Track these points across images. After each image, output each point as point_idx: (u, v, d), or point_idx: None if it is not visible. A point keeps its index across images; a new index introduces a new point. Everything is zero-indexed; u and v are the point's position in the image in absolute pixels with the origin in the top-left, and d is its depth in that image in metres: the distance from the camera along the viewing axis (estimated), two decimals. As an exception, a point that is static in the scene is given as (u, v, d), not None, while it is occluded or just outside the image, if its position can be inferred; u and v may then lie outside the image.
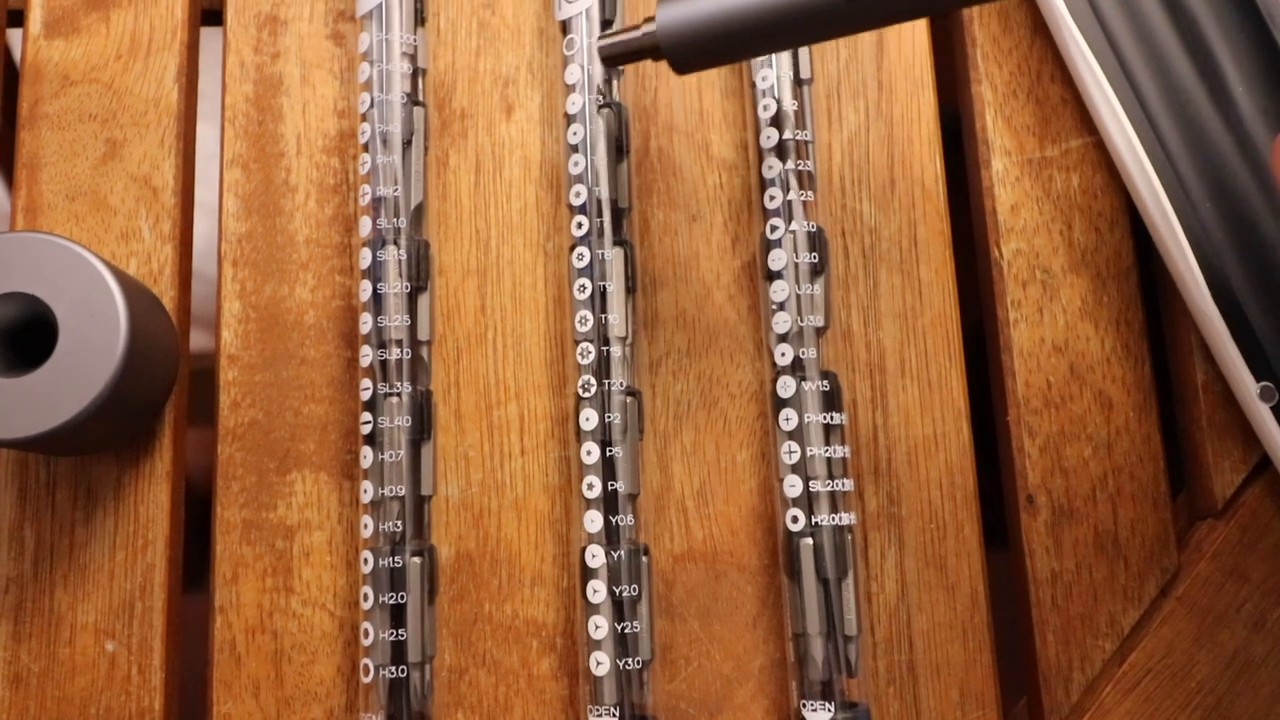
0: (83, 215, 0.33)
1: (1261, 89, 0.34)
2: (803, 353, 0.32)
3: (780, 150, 0.33)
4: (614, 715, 0.30)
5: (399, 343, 0.31)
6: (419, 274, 0.32)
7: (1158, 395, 0.35)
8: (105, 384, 0.28)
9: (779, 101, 0.33)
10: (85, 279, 0.28)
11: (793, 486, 0.31)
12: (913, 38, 0.36)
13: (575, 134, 0.33)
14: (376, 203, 0.32)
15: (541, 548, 0.33)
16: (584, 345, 0.32)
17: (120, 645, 0.31)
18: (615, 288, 0.32)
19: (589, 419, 0.31)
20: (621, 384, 0.32)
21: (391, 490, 0.31)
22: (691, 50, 0.27)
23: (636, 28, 0.28)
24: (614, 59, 0.29)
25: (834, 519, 0.31)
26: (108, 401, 0.28)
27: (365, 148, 0.32)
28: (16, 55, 0.36)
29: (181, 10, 0.35)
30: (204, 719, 0.31)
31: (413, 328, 0.32)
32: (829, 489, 0.31)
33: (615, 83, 0.33)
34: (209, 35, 0.36)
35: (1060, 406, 0.34)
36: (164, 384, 0.32)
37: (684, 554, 0.33)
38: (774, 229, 0.33)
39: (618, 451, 0.31)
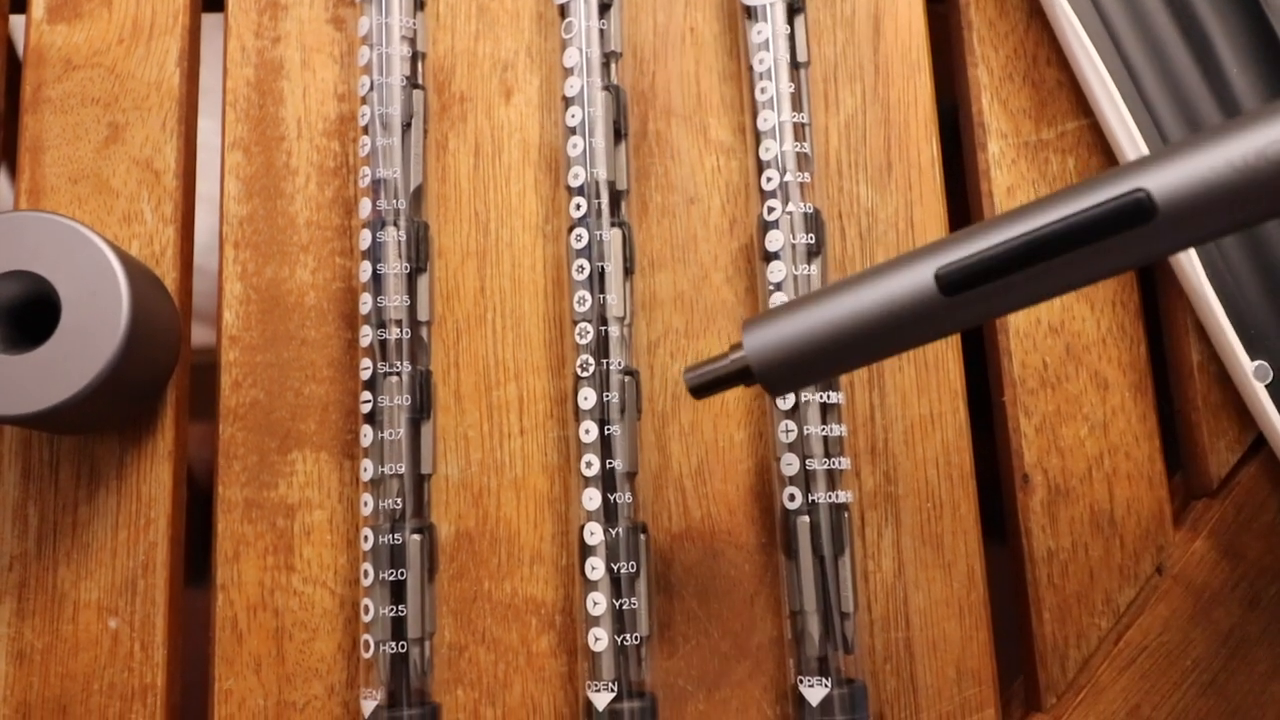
0: (85, 198, 0.34)
1: (1255, 71, 0.34)
2: (799, 332, 0.32)
3: (777, 133, 0.33)
4: (612, 691, 0.30)
5: (398, 323, 0.32)
6: (418, 255, 0.32)
7: (1153, 375, 0.35)
8: (107, 362, 0.28)
9: (776, 84, 0.33)
10: (88, 258, 0.28)
11: (790, 465, 0.32)
12: (909, 21, 0.36)
13: (574, 116, 0.33)
14: (376, 184, 0.32)
15: (540, 526, 0.33)
16: (582, 325, 0.32)
17: (123, 622, 0.32)
18: (613, 268, 0.32)
19: (587, 398, 0.31)
20: (619, 364, 0.32)
21: (391, 468, 0.31)
22: (786, 373, 0.26)
23: (725, 356, 0.27)
24: (703, 389, 0.27)
25: (831, 497, 0.31)
26: (110, 379, 0.28)
27: (365, 130, 0.33)
28: (18, 42, 0.36)
29: (183, -5, 0.35)
30: (206, 695, 0.32)
31: (412, 308, 0.32)
32: (825, 467, 0.31)
33: (613, 66, 0.34)
34: (209, 32, 0.36)
35: (1056, 386, 0.34)
36: (166, 364, 0.32)
37: (682, 533, 0.33)
38: (771, 210, 0.33)
39: (616, 430, 0.31)
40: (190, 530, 0.34)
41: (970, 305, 0.23)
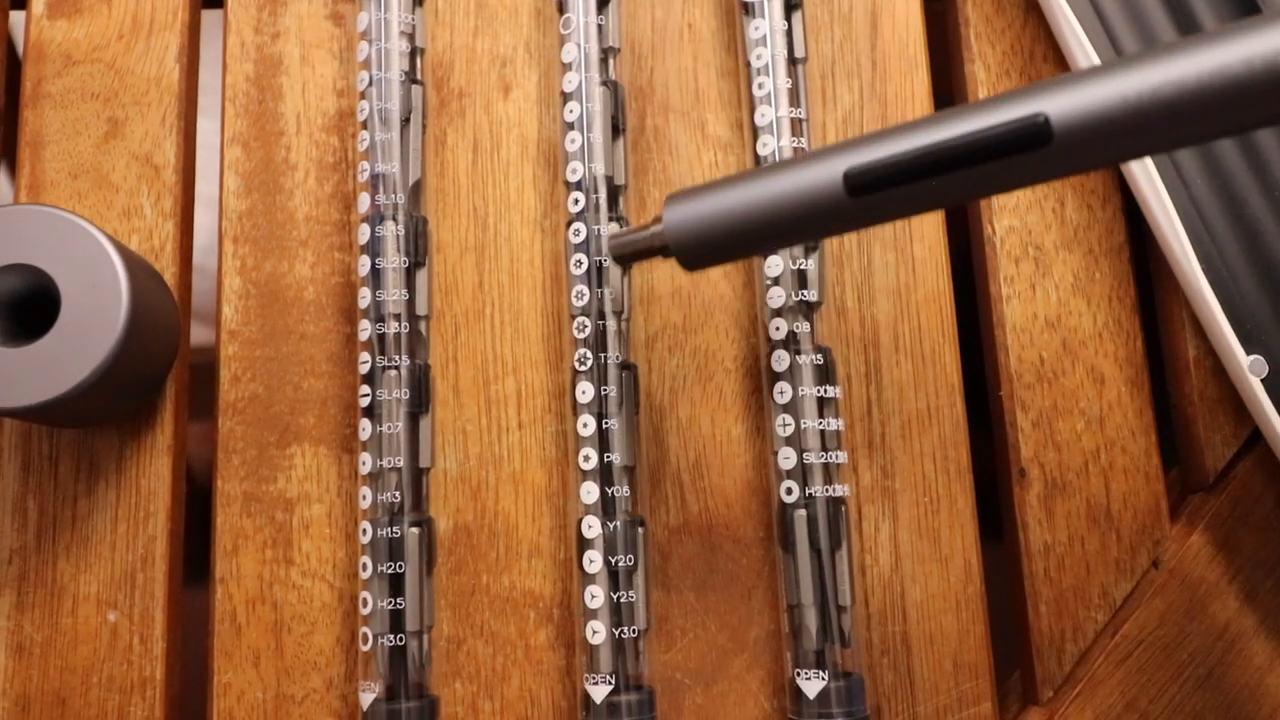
0: (85, 192, 0.34)
1: (1251, 66, 0.34)
2: (797, 327, 0.32)
3: (774, 128, 0.33)
4: (610, 683, 0.30)
5: (397, 317, 0.32)
6: (417, 249, 0.32)
7: (1150, 370, 0.35)
8: (107, 354, 0.28)
9: (773, 80, 0.33)
10: (87, 251, 0.28)
11: (787, 459, 0.32)
12: (906, 18, 0.36)
13: (572, 111, 0.33)
14: (375, 179, 0.32)
15: (539, 520, 0.33)
16: (580, 319, 0.32)
17: (122, 615, 0.32)
18: (611, 262, 0.32)
19: (585, 392, 0.32)
20: (617, 357, 0.32)
21: (390, 462, 0.31)
22: (699, 250, 0.27)
23: (646, 227, 0.29)
24: (624, 258, 0.29)
25: (828, 490, 0.31)
26: (109, 372, 0.28)
27: (364, 125, 0.33)
28: (18, 39, 0.36)
29: (183, -9, 0.35)
30: (205, 688, 0.32)
31: (411, 302, 0.32)
32: (823, 461, 0.32)
33: (611, 62, 0.34)
34: (208, 29, 0.36)
35: (1053, 381, 0.34)
36: (165, 357, 0.32)
37: (680, 527, 0.33)
38: (768, 205, 0.33)
39: (613, 424, 0.31)
40: (189, 528, 0.34)
41: (873, 207, 0.25)
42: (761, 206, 0.26)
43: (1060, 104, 0.22)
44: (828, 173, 0.25)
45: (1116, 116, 0.22)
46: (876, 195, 0.24)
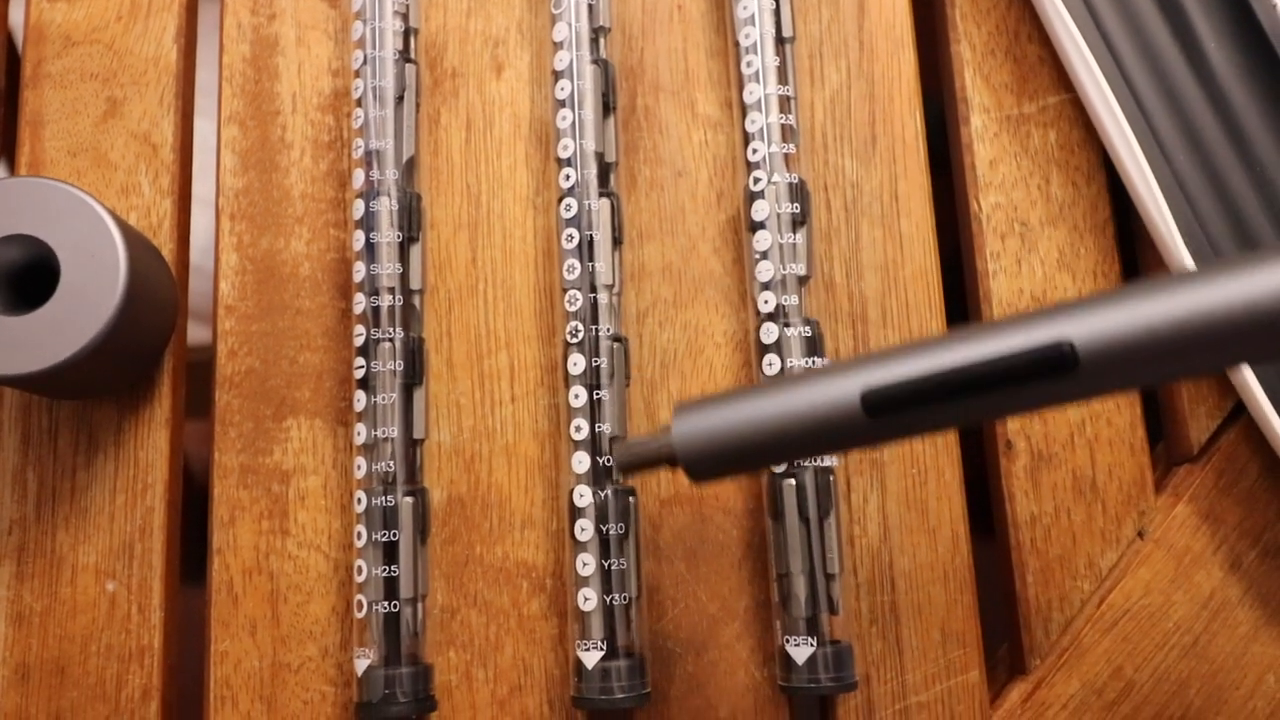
0: (84, 170, 0.34)
1: (1233, 44, 0.35)
2: (785, 300, 0.33)
3: (762, 105, 0.34)
4: (601, 649, 0.31)
5: (391, 290, 0.32)
6: (411, 224, 0.33)
7: (1134, 344, 0.35)
8: (105, 323, 0.29)
9: (761, 58, 0.34)
10: (86, 222, 0.29)
11: (776, 429, 0.32)
12: (893, -1, 0.37)
13: (563, 89, 0.34)
14: (369, 155, 0.33)
15: (531, 492, 0.33)
16: (572, 293, 0.33)
17: (120, 585, 0.32)
18: (602, 237, 0.33)
19: (576, 364, 0.32)
20: (608, 330, 0.32)
21: (384, 432, 0.31)
22: (709, 463, 0.26)
23: (654, 438, 0.27)
24: (629, 467, 0.28)
25: (816, 460, 0.32)
26: (107, 341, 0.29)
27: (358, 103, 0.33)
28: (18, 22, 0.36)
29: (180, -26, 0.36)
30: (202, 657, 0.32)
31: (404, 276, 0.32)
32: (811, 431, 0.32)
33: (602, 41, 0.34)
34: (206, 30, 0.37)
35: (1039, 355, 0.35)
36: (163, 330, 0.33)
37: (671, 498, 0.34)
38: (757, 181, 0.34)
39: (604, 395, 0.32)
40: (188, 530, 0.34)
41: (891, 427, 0.24)
42: (775, 423, 0.25)
43: (1085, 329, 0.22)
44: (844, 391, 0.24)
45: (1144, 344, 0.22)
46: (895, 416, 0.24)
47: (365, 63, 0.33)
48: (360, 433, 0.32)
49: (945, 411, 0.23)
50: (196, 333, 0.36)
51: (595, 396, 0.32)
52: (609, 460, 0.31)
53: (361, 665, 0.30)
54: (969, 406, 0.23)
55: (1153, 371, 0.22)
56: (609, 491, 0.31)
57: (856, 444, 0.26)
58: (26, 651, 0.32)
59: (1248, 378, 0.33)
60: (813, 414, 0.24)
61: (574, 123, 0.33)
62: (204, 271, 0.36)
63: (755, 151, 0.34)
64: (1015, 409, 0.24)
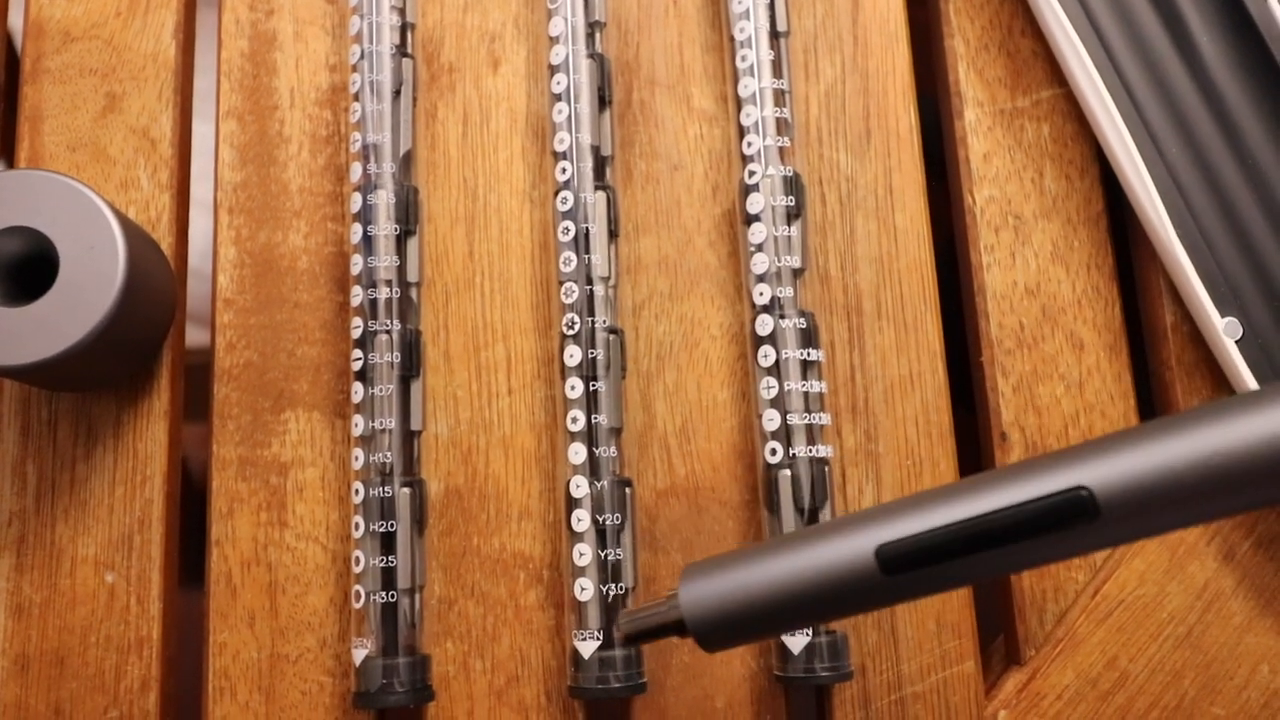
0: (83, 165, 0.35)
1: (1224, 36, 0.35)
2: (780, 292, 0.33)
3: (757, 98, 0.34)
4: (598, 639, 0.31)
5: (388, 283, 0.32)
6: (408, 217, 0.33)
7: (1128, 336, 0.36)
8: (104, 315, 0.29)
9: (756, 52, 0.34)
10: (85, 214, 0.29)
11: (771, 420, 0.32)
12: (887, -6, 0.37)
13: (559, 84, 0.34)
14: (367, 149, 0.33)
15: (528, 483, 0.33)
16: (568, 285, 0.33)
17: (119, 577, 0.32)
18: (598, 230, 0.33)
19: (573, 355, 0.32)
20: (604, 322, 0.33)
21: (381, 424, 0.32)
22: (719, 631, 0.24)
23: (660, 604, 0.25)
24: (635, 637, 0.26)
25: (811, 451, 0.32)
26: (106, 332, 0.29)
27: (355, 97, 0.34)
28: (14, 19, 0.37)
29: (179, -29, 0.36)
30: (201, 648, 0.32)
31: (401, 268, 0.33)
32: (806, 422, 0.32)
33: (598, 35, 0.35)
34: (204, 32, 0.37)
35: (1033, 347, 0.35)
36: (161, 322, 0.33)
37: (667, 489, 0.34)
38: (752, 174, 0.34)
39: (600, 386, 0.32)
40: (186, 533, 0.34)
41: (910, 584, 0.23)
42: (787, 585, 0.24)
43: (1103, 474, 0.21)
44: (858, 548, 0.23)
45: (1167, 487, 0.20)
46: (913, 573, 0.23)
47: (362, 57, 0.34)
48: (358, 425, 0.32)
49: (965, 565, 0.22)
50: (194, 335, 0.36)
51: (591, 388, 0.32)
52: (619, 621, 0.29)
53: (359, 656, 0.31)
54: (989, 558, 0.22)
55: (1178, 515, 0.21)
56: (605, 483, 0.32)
57: (874, 602, 0.24)
58: (26, 643, 0.32)
59: (1240, 369, 0.34)
60: (827, 572, 0.23)
61: (570, 117, 0.34)
62: (202, 273, 0.36)
63: (750, 145, 0.34)
64: (1035, 561, 0.23)
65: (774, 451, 0.32)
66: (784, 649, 0.31)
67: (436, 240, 0.35)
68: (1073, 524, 0.21)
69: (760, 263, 0.33)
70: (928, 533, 0.22)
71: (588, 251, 0.33)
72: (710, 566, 0.25)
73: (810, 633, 0.31)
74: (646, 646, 0.32)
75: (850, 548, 0.23)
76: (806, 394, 0.32)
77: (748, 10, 0.34)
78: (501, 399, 0.34)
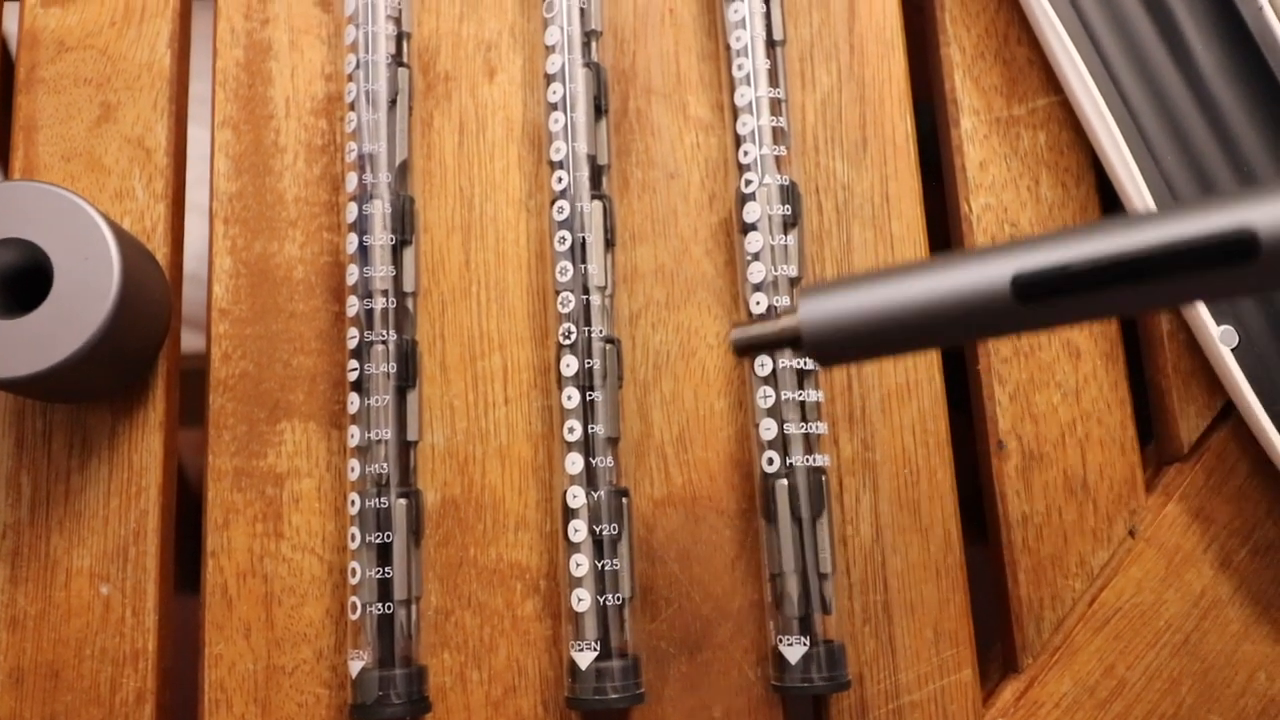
0: (78, 175, 0.34)
1: (1219, 44, 0.35)
2: (777, 301, 0.33)
3: (754, 107, 0.34)
4: (595, 650, 0.31)
5: (384, 293, 0.32)
6: (404, 227, 0.33)
7: (1124, 344, 0.36)
8: (98, 327, 0.29)
9: (753, 61, 0.34)
10: (80, 226, 0.29)
11: (768, 430, 0.32)
12: (883, 2, 0.37)
13: (555, 92, 0.34)
14: (362, 159, 0.33)
15: (525, 494, 0.33)
16: (564, 295, 0.33)
17: (115, 589, 0.32)
18: (594, 239, 0.33)
19: (569, 365, 0.32)
20: (601, 331, 0.32)
21: (378, 434, 0.31)
22: (837, 346, 0.24)
23: (775, 319, 0.26)
24: (747, 349, 0.26)
25: (808, 460, 0.32)
26: (101, 344, 0.29)
27: (351, 107, 0.33)
28: (9, 28, 0.37)
29: (174, -20, 0.36)
30: (197, 660, 0.32)
31: (398, 278, 0.33)
32: (803, 431, 0.32)
33: (594, 44, 0.34)
34: (200, 45, 0.37)
35: (1030, 355, 0.35)
36: (156, 333, 0.33)
37: (664, 499, 0.34)
38: (748, 183, 0.34)
39: (597, 396, 0.32)
40: (182, 537, 0.34)
41: (1042, 314, 0.23)
42: (912, 304, 0.23)
43: (1270, 218, 0.21)
44: (993, 275, 0.23)
45: None
46: (1049, 302, 0.22)
47: (358, 67, 0.33)
48: (354, 435, 0.32)
49: (1103, 300, 0.22)
50: (190, 340, 0.36)
51: (588, 398, 0.32)
52: (731, 335, 0.27)
53: (356, 667, 0.31)
54: (1130, 295, 0.22)
55: None
56: (602, 493, 0.31)
57: (1001, 329, 0.24)
58: (20, 655, 0.32)
59: (1236, 377, 0.34)
60: (958, 298, 0.23)
61: (566, 126, 0.33)
62: (198, 279, 0.36)
63: (747, 154, 0.34)
64: (1181, 298, 0.22)
65: (771, 461, 0.32)
66: (781, 658, 0.31)
67: (432, 249, 0.35)
68: (1230, 263, 0.21)
69: (757, 271, 0.33)
70: (1071, 264, 0.22)
71: (584, 261, 0.33)
72: (830, 284, 0.25)
73: (808, 642, 0.31)
74: (644, 657, 0.32)
75: (986, 274, 0.23)
76: (803, 403, 0.32)
77: (744, 19, 0.34)
78: (498, 409, 0.34)
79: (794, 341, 0.25)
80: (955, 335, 0.25)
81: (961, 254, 0.24)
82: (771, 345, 0.26)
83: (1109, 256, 0.22)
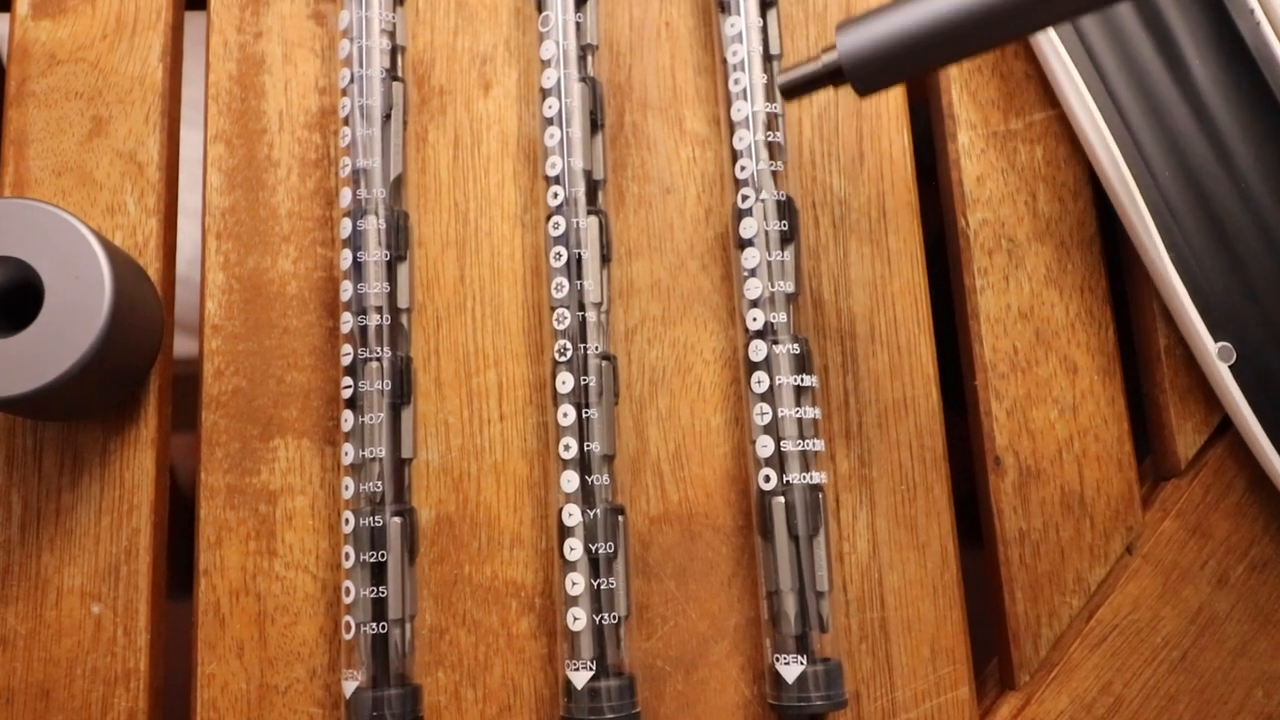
0: (69, 190, 0.34)
1: (1216, 59, 0.35)
2: (774, 317, 0.33)
3: (750, 122, 0.34)
4: (591, 669, 0.31)
5: (379, 309, 0.32)
6: (398, 243, 0.33)
7: (1121, 360, 0.36)
8: (90, 346, 0.28)
9: (749, 76, 0.34)
10: (71, 243, 0.29)
11: (765, 447, 0.32)
12: (880, 16, 0.37)
13: (550, 107, 0.34)
14: (356, 174, 0.33)
15: (520, 511, 0.33)
16: (560, 311, 0.32)
17: (106, 608, 0.32)
18: (590, 255, 0.33)
19: (565, 382, 0.32)
20: (597, 348, 0.32)
21: (372, 452, 0.31)
22: (875, 70, 0.27)
23: (815, 59, 0.28)
24: (794, 90, 0.28)
25: (805, 478, 0.32)
26: (93, 363, 0.28)
27: (345, 121, 0.33)
28: (2, 40, 0.36)
29: (166, -8, 0.36)
30: (189, 680, 0.32)
31: (392, 295, 0.32)
32: (800, 449, 0.32)
33: (590, 58, 0.34)
34: (193, 47, 0.37)
35: (1026, 371, 0.35)
36: (148, 351, 0.33)
37: (660, 516, 0.33)
38: (745, 198, 0.34)
39: (593, 413, 0.32)
40: (175, 542, 0.34)
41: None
42: (941, 15, 0.26)
43: None
44: None
45: None
46: None
47: (352, 81, 0.33)
48: (348, 452, 0.32)
49: None
50: (184, 345, 0.35)
51: (584, 415, 0.32)
52: (777, 81, 0.30)
53: (350, 687, 0.30)
54: None
55: None
56: (598, 511, 0.31)
57: (1031, 20, 0.25)
58: (10, 675, 0.31)
59: (1234, 393, 0.34)
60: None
61: (562, 140, 0.33)
62: (190, 283, 0.36)
63: (743, 169, 0.34)
64: None
65: (767, 478, 0.32)
66: (778, 677, 0.31)
67: (427, 265, 0.35)
68: None
69: (753, 287, 0.33)
70: None
71: (580, 277, 0.33)
72: (863, 17, 0.27)
73: (804, 661, 0.31)
74: (639, 676, 0.32)
75: None
76: (800, 420, 0.32)
77: (740, 33, 0.34)
78: (493, 425, 0.34)
79: (836, 75, 0.27)
80: (986, 37, 0.27)
81: None
82: (817, 82, 0.28)
83: None
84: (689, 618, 0.33)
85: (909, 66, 0.27)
